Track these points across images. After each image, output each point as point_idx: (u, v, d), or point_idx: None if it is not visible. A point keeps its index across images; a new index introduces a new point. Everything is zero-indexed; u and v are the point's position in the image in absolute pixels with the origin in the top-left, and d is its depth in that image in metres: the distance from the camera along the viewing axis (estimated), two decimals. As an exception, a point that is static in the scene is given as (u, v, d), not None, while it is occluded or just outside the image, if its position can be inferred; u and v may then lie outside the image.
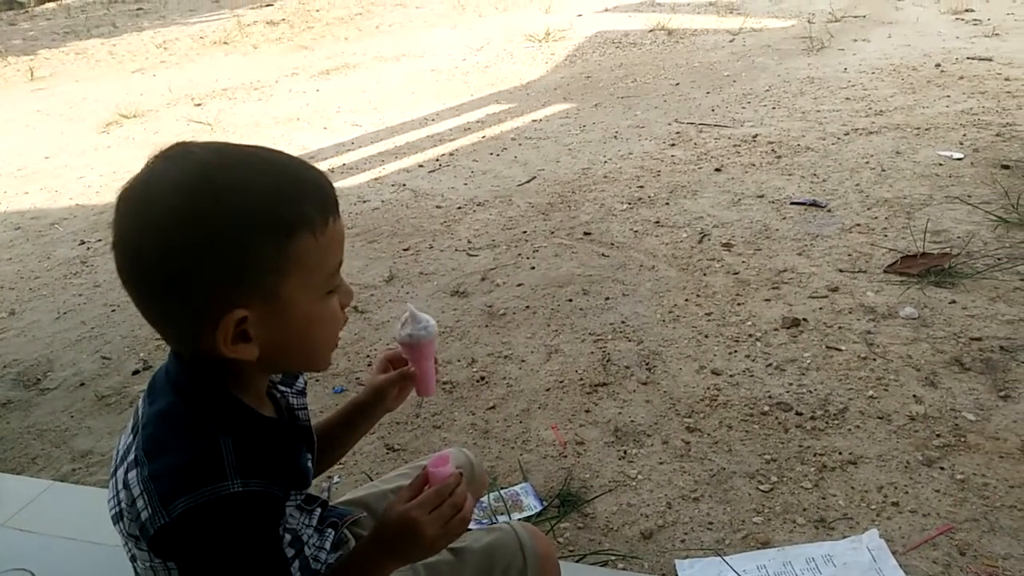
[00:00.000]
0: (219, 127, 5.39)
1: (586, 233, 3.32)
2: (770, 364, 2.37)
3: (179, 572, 0.86)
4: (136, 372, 2.70)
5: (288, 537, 0.99)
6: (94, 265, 3.54)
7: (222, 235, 0.80)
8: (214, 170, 0.83)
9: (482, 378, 2.49)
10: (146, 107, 6.04)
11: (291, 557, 0.97)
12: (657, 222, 3.33)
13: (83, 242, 3.80)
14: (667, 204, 3.48)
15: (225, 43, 8.31)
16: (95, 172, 4.77)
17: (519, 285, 3.00)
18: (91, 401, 2.57)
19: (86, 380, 2.69)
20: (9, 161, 5.15)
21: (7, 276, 3.52)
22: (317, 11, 9.64)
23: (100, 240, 3.78)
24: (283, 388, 1.02)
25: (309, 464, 1.01)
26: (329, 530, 1.10)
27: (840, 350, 2.39)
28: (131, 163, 4.78)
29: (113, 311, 3.12)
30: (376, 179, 4.22)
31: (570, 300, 2.85)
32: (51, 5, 12.29)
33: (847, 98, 4.50)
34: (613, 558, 1.78)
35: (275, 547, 0.89)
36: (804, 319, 2.55)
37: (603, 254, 3.13)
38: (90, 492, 2.02)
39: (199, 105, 6.01)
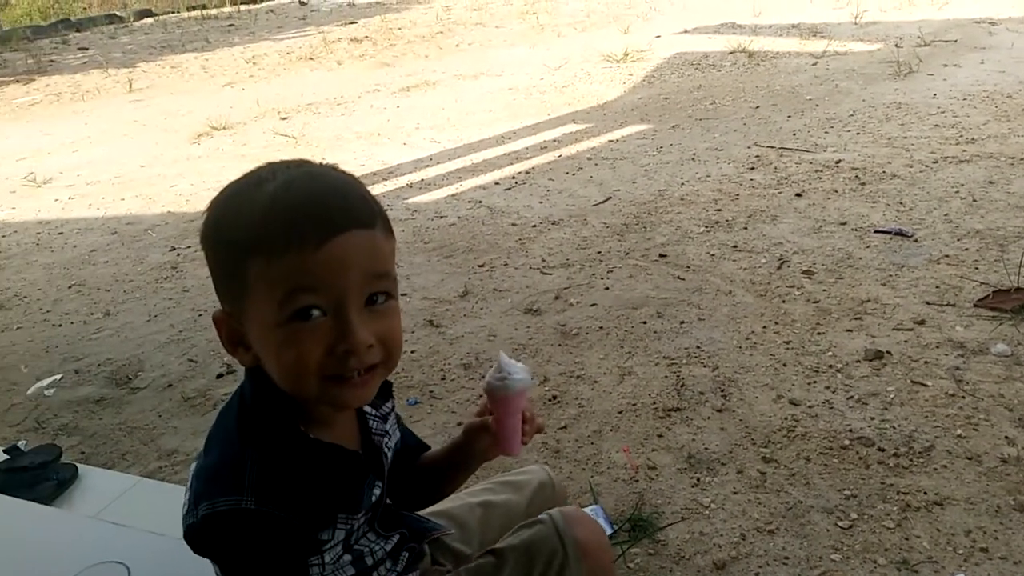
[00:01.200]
0: (303, 140, 5.56)
1: (662, 255, 3.30)
2: (851, 397, 2.31)
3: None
4: (220, 376, 2.80)
5: (348, 557, 1.01)
6: (184, 271, 3.69)
7: (211, 240, 0.91)
8: (244, 183, 0.90)
9: (554, 397, 2.50)
10: (235, 120, 6.28)
11: None
12: (735, 246, 3.29)
13: (174, 248, 3.96)
14: (745, 228, 3.44)
15: (311, 59, 8.58)
16: (186, 181, 4.98)
17: (592, 305, 3.00)
18: (178, 402, 2.67)
19: (173, 381, 2.80)
20: (108, 169, 5.42)
21: (104, 279, 3.70)
22: (399, 29, 9.87)
23: (190, 247, 3.94)
24: (369, 409, 1.04)
25: (374, 490, 1.01)
26: (405, 553, 1.10)
27: (926, 385, 2.31)
28: (219, 173, 4.99)
29: (200, 316, 3.24)
30: (453, 195, 4.28)
31: (644, 322, 2.84)
32: (149, 20, 12.90)
33: (936, 125, 4.37)
34: (685, 587, 1.76)
35: (286, 568, 0.91)
36: (888, 352, 2.48)
37: (679, 277, 3.11)
38: (177, 490, 2.09)
39: (285, 119, 6.21)
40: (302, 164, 0.92)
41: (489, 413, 1.13)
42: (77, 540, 1.67)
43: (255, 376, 0.93)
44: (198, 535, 0.89)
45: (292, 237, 0.83)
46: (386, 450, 1.06)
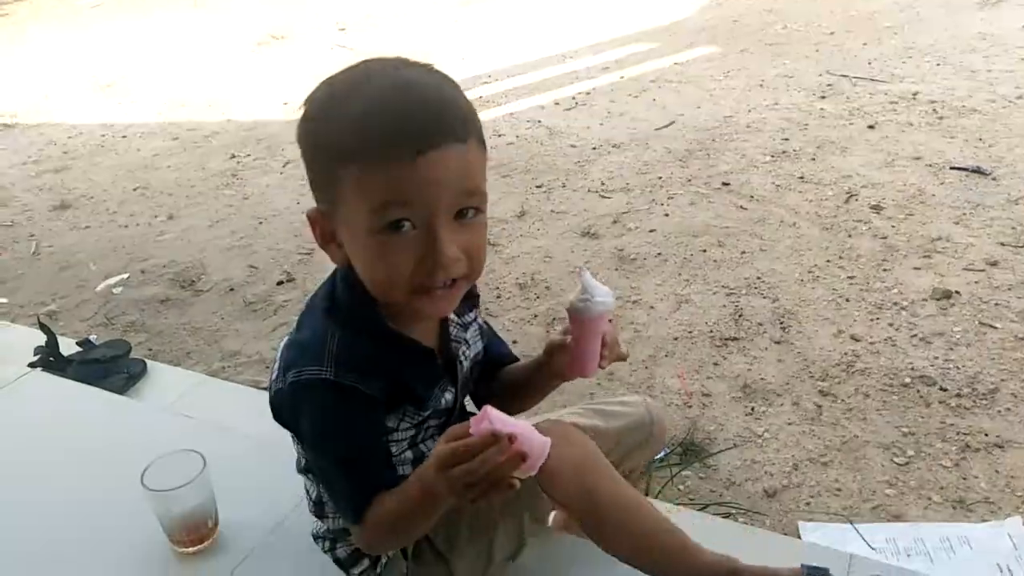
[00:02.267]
0: (361, 52, 5.49)
1: (724, 183, 3.23)
2: (915, 335, 2.27)
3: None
4: (280, 283, 2.85)
5: (410, 454, 1.06)
6: (244, 178, 3.73)
7: (305, 139, 0.91)
8: (343, 81, 0.89)
9: (609, 320, 2.49)
10: (295, 29, 6.22)
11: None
12: (801, 178, 3.20)
13: (234, 155, 3.99)
14: (813, 160, 3.33)
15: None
16: (245, 89, 4.98)
17: (651, 231, 2.96)
18: (239, 306, 2.74)
19: (235, 286, 2.86)
20: (169, 74, 5.44)
21: (167, 183, 3.76)
22: (459, -61, 9.59)
23: (249, 155, 3.97)
24: (452, 316, 1.05)
25: (445, 394, 1.04)
26: None
27: (995, 328, 2.25)
28: (278, 82, 4.98)
29: (260, 223, 3.29)
30: (511, 114, 4.21)
31: (704, 251, 2.80)
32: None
33: (1023, 59, 4.14)
34: (735, 511, 1.78)
35: (361, 435, 0.97)
36: (957, 292, 2.41)
37: (741, 207, 3.04)
38: (240, 389, 2.17)
39: (343, 30, 6.14)
40: (399, 67, 0.89)
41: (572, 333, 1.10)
42: (150, 429, 1.74)
43: (346, 271, 0.96)
44: (284, 400, 0.97)
45: (386, 150, 0.82)
46: (462, 358, 1.07)
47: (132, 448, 1.60)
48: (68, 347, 2.21)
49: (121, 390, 2.06)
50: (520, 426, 0.83)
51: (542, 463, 0.85)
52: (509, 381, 1.18)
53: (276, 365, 1.00)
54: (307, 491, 1.16)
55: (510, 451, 0.79)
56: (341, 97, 0.87)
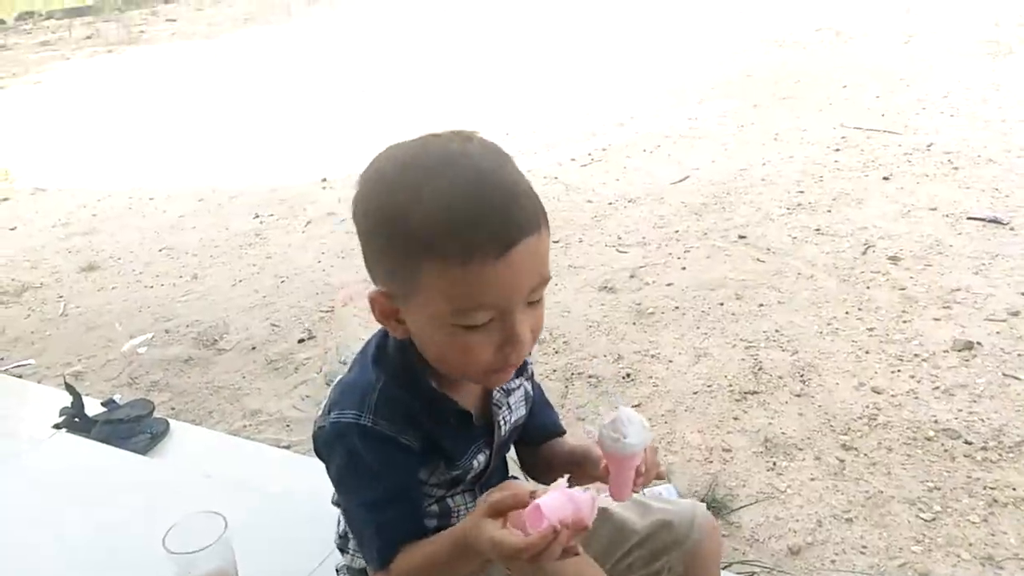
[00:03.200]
0: (383, 109, 5.63)
1: (741, 236, 3.24)
2: (937, 387, 2.25)
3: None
4: (301, 341, 2.89)
5: (435, 508, 1.07)
6: (267, 238, 3.80)
7: (378, 224, 0.90)
8: (411, 166, 0.89)
9: (628, 375, 2.50)
10: (317, 89, 6.37)
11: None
12: (818, 230, 3.21)
13: (257, 216, 4.08)
14: (829, 212, 3.35)
15: (390, 30, 8.64)
16: (269, 150, 5.11)
17: (669, 285, 2.97)
18: (261, 364, 2.77)
19: (257, 344, 2.90)
20: (194, 136, 5.59)
21: (191, 244, 3.83)
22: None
23: (272, 215, 4.05)
24: None
25: (478, 455, 1.05)
26: None
27: (1019, 379, 2.23)
28: (302, 142, 5.09)
29: (282, 282, 3.34)
30: (528, 171, 4.15)
31: (721, 304, 2.80)
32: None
33: (1037, 108, 4.16)
34: (758, 570, 1.75)
35: (391, 483, 0.98)
36: (978, 343, 2.40)
37: (758, 259, 3.05)
38: (263, 448, 2.18)
39: (365, 91, 6.29)
40: (470, 150, 0.88)
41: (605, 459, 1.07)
42: (173, 490, 1.76)
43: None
44: (323, 438, 1.00)
45: (469, 250, 0.82)
46: (501, 422, 1.08)
47: (154, 509, 1.62)
48: (93, 407, 2.24)
49: (144, 450, 2.09)
50: (570, 504, 0.85)
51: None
52: (548, 459, 1.18)
53: (324, 402, 1.04)
54: (338, 521, 1.18)
55: (569, 540, 0.83)
56: (417, 184, 0.85)
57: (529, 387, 1.14)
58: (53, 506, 1.72)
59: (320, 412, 1.03)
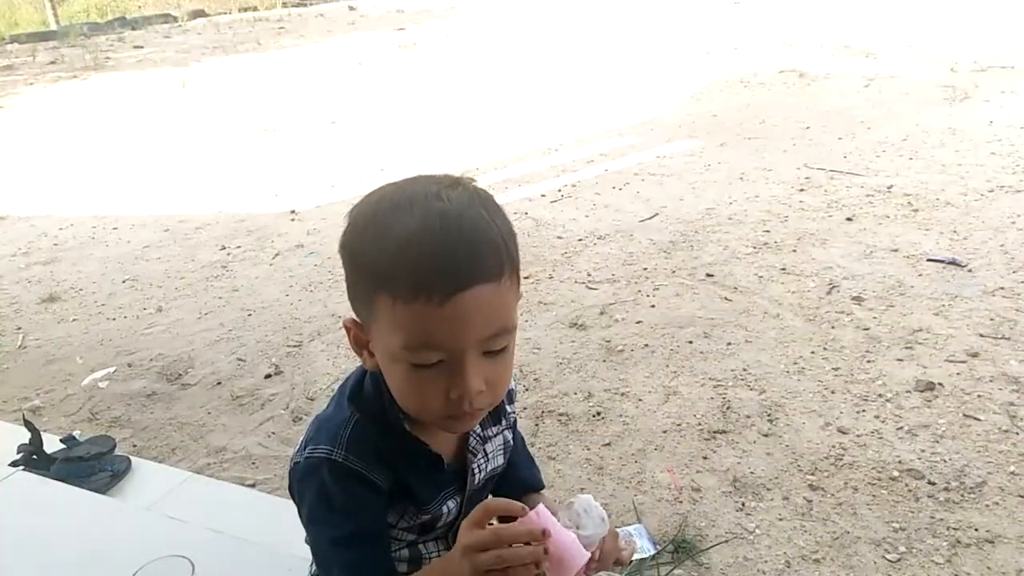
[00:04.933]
0: (352, 144, 5.63)
1: (708, 275, 3.29)
2: (901, 427, 2.28)
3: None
4: (268, 376, 2.85)
5: (405, 552, 1.06)
6: (233, 270, 3.76)
7: (349, 255, 0.92)
8: (386, 203, 0.90)
9: (598, 413, 2.50)
10: (285, 122, 6.38)
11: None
12: (783, 269, 3.27)
13: (224, 247, 4.03)
14: (794, 251, 3.41)
15: (359, 64, 8.69)
16: (237, 181, 5.07)
17: (638, 322, 2.99)
18: (226, 400, 2.72)
19: (223, 379, 2.85)
20: (161, 166, 5.54)
21: (156, 275, 3.78)
22: (447, 36, 9.96)
23: (239, 247, 4.01)
24: (476, 429, 1.06)
25: (448, 502, 1.04)
26: None
27: (979, 420, 2.28)
28: (270, 174, 5.08)
29: (249, 315, 3.30)
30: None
31: (690, 342, 2.83)
32: (202, 20, 13.17)
33: (992, 153, 4.30)
34: (729, 612, 1.75)
35: (360, 520, 0.97)
36: (940, 383, 2.45)
37: (726, 298, 3.10)
38: (227, 487, 2.14)
39: (333, 123, 6.30)
40: (444, 192, 0.88)
41: None
42: (135, 532, 1.71)
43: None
44: (296, 473, 0.99)
45: (419, 288, 0.83)
46: (476, 469, 1.07)
47: (117, 552, 1.58)
48: (52, 443, 2.19)
49: (105, 488, 2.03)
50: (563, 531, 0.87)
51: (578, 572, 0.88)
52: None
53: (301, 438, 1.03)
54: (310, 564, 1.16)
55: (537, 545, 0.84)
56: (383, 220, 0.87)
57: (510, 436, 1.13)
58: (12, 548, 1.67)
59: (296, 448, 1.03)
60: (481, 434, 1.07)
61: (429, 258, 0.83)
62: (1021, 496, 2.00)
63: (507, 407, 1.12)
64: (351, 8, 13.62)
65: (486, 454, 1.08)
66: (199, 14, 13.59)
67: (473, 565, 0.84)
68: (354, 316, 0.95)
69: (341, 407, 1.01)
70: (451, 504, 1.05)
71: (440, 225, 0.84)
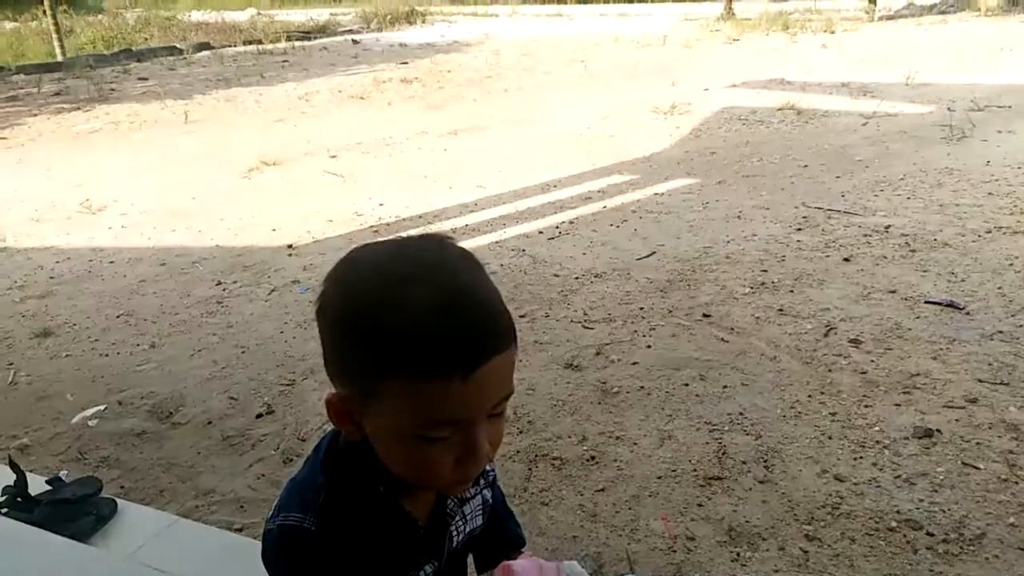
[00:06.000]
0: (351, 179, 5.65)
1: (705, 315, 3.27)
2: (899, 476, 2.25)
3: None
4: (259, 416, 2.82)
5: None
6: (229, 306, 3.74)
7: (347, 328, 0.88)
8: (387, 272, 0.87)
9: (592, 457, 2.47)
10: (286, 155, 6.41)
11: None
12: (780, 310, 3.25)
13: (220, 283, 4.02)
14: (792, 292, 3.40)
15: (361, 98, 8.76)
16: (235, 215, 5.07)
17: (634, 363, 2.97)
18: (217, 440, 2.69)
19: (214, 419, 2.82)
20: (160, 199, 5.55)
21: (151, 309, 3.76)
22: (448, 72, 10.05)
23: (236, 282, 4.00)
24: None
25: (425, 567, 1.02)
26: None
27: (978, 468, 2.25)
28: (269, 208, 5.09)
29: (243, 353, 3.28)
30: (497, 242, 4.30)
31: (686, 384, 2.80)
32: (206, 53, 13.31)
33: (990, 193, 4.31)
34: (722, 669, 1.71)
35: None
36: (938, 430, 2.42)
37: (722, 339, 3.08)
38: (212, 532, 2.10)
39: (334, 157, 6.33)
40: (446, 267, 0.87)
41: None
42: (115, 583, 1.68)
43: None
44: (269, 542, 0.96)
45: (442, 366, 0.81)
46: (454, 531, 1.05)
47: (95, 605, 1.55)
48: (37, 484, 2.15)
49: (90, 532, 2.00)
50: (537, 571, 0.91)
51: None
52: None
53: (275, 502, 1.00)
54: None
55: None
56: (391, 292, 0.84)
57: (488, 495, 1.11)
58: (-14, 599, 1.63)
59: (271, 512, 1.00)
60: (459, 496, 1.05)
61: (453, 336, 0.81)
62: (1021, 548, 1.96)
63: (487, 466, 1.09)
64: (354, 42, 13.77)
65: (464, 516, 1.06)
66: (204, 47, 13.74)
67: None
68: (336, 391, 0.91)
69: (314, 472, 0.98)
70: (428, 569, 1.02)
71: (457, 301, 0.83)
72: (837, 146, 5.44)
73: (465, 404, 0.84)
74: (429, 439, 0.86)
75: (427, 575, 1.03)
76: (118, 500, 2.14)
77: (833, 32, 10.78)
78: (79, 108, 9.09)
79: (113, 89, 10.28)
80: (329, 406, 0.92)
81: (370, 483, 0.96)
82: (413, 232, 0.93)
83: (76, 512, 2.07)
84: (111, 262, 4.43)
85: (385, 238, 0.93)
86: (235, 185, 5.79)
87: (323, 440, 1.02)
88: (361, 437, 0.93)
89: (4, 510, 2.04)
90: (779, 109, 6.52)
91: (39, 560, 1.76)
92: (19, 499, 2.10)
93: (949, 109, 6.03)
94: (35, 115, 8.87)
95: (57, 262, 4.46)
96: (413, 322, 0.82)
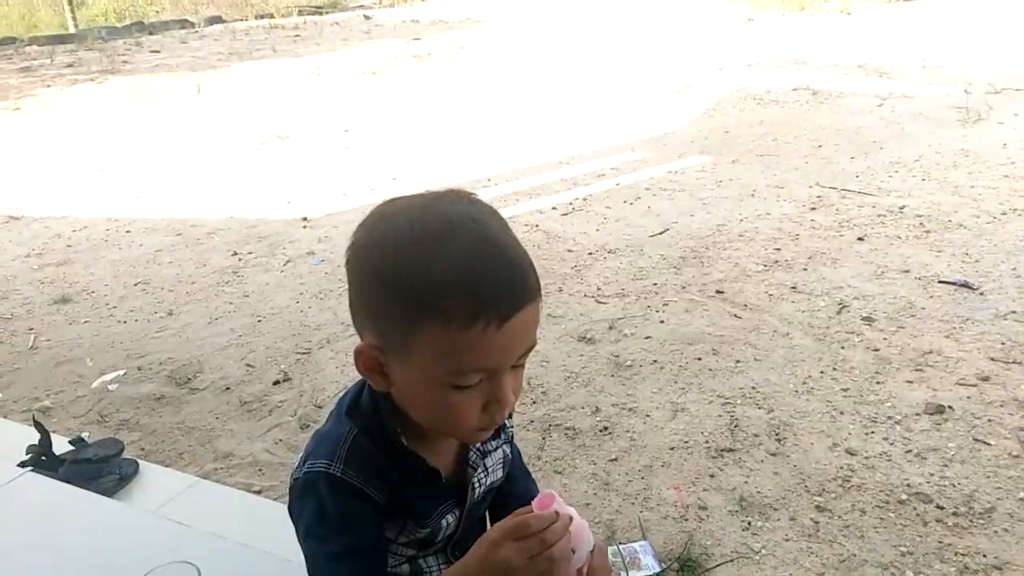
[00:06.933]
0: (364, 154, 5.66)
1: (719, 291, 3.28)
2: (910, 450, 2.27)
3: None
4: (277, 383, 2.86)
5: (407, 568, 1.06)
6: (244, 276, 3.78)
7: (380, 281, 0.89)
8: (420, 227, 0.88)
9: (605, 428, 2.50)
10: (299, 129, 6.42)
11: None
12: (794, 287, 3.26)
13: (236, 253, 4.05)
14: (805, 270, 3.41)
15: (374, 73, 8.73)
16: (250, 188, 5.10)
17: (647, 338, 2.99)
18: (235, 405, 2.73)
19: (231, 385, 2.86)
20: (174, 170, 5.58)
21: (167, 279, 3.80)
22: (461, 48, 10.00)
23: (251, 253, 4.03)
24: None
25: (447, 516, 1.04)
26: None
27: (989, 444, 2.27)
28: (283, 181, 5.11)
29: (259, 321, 3.32)
30: (510, 217, 4.26)
31: (699, 359, 2.82)
32: (218, 27, 13.26)
33: (1005, 175, 4.29)
34: (733, 633, 1.74)
35: (357, 535, 0.96)
36: (950, 407, 2.43)
37: (736, 315, 3.09)
38: (233, 493, 2.14)
39: (347, 131, 6.33)
40: (476, 220, 0.88)
41: None
42: (141, 536, 1.71)
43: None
44: (297, 489, 0.98)
45: (478, 315, 0.83)
46: (475, 483, 1.07)
47: (122, 556, 1.58)
48: (60, 444, 2.19)
49: (112, 492, 2.04)
50: (578, 517, 0.91)
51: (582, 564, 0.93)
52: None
53: (301, 454, 1.03)
54: None
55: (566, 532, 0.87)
56: (425, 246, 0.85)
57: (508, 450, 1.14)
58: (16, 549, 1.67)
59: (296, 464, 1.03)
60: (482, 448, 1.07)
61: (487, 286, 0.84)
62: (1030, 523, 1.98)
63: (506, 421, 1.12)
64: (366, 17, 13.70)
65: (486, 468, 1.09)
66: (216, 20, 13.68)
67: (518, 550, 0.87)
68: (366, 341, 0.93)
69: (339, 422, 1.00)
70: (450, 518, 1.05)
71: (490, 251, 0.86)
72: (852, 127, 5.41)
73: (497, 353, 0.87)
74: (458, 387, 0.89)
75: (448, 525, 1.05)
76: (139, 461, 2.18)
77: (850, 13, 10.68)
78: (92, 79, 9.09)
79: (125, 61, 10.27)
80: (357, 356, 0.94)
81: (392, 433, 0.98)
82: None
83: (99, 471, 2.11)
84: (127, 231, 4.46)
85: (413, 193, 0.95)
86: (249, 158, 5.81)
87: (347, 392, 1.05)
88: (389, 387, 0.95)
89: (30, 468, 2.08)
90: (794, 89, 6.48)
91: (67, 514, 1.80)
92: (44, 458, 2.14)
93: (966, 91, 5.97)
94: (48, 86, 8.88)
95: (74, 231, 4.50)
96: (451, 273, 0.84)
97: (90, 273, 3.93)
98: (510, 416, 1.14)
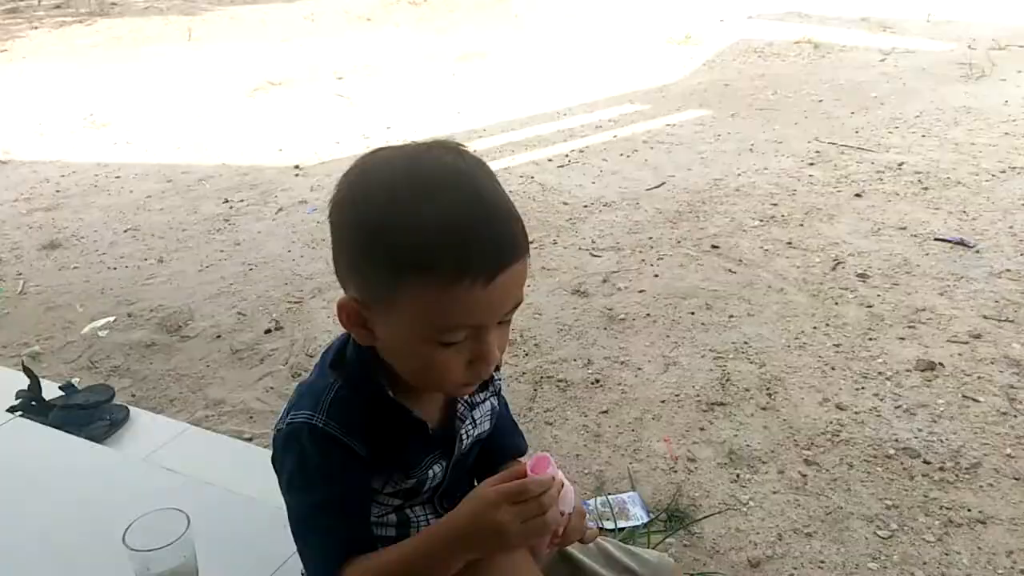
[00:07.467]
0: (358, 101, 5.58)
1: (714, 246, 3.27)
2: (899, 406, 2.28)
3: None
4: (268, 331, 2.84)
5: (394, 517, 1.05)
6: (236, 224, 3.74)
7: (364, 234, 0.87)
8: (407, 179, 0.86)
9: (597, 380, 2.50)
10: (291, 76, 6.31)
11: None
12: (789, 243, 3.25)
13: (227, 200, 4.01)
14: (801, 226, 3.39)
15: (369, 19, 8.57)
16: (241, 134, 5.02)
17: (641, 291, 2.98)
18: (226, 353, 2.73)
19: (223, 333, 2.85)
20: (164, 116, 5.49)
21: (158, 226, 3.76)
22: (459, -6, 9.80)
23: (243, 201, 3.99)
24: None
25: (434, 467, 1.03)
26: None
27: (978, 401, 2.28)
28: (274, 128, 5.03)
29: (251, 270, 3.29)
30: (505, 168, 4.26)
31: (692, 313, 2.82)
32: (210, -31, 12.94)
33: (1006, 133, 4.25)
34: (719, 582, 1.76)
35: (340, 486, 0.96)
36: (940, 363, 2.44)
37: (730, 270, 3.08)
38: (223, 440, 2.15)
39: (340, 79, 6.23)
40: (464, 173, 0.87)
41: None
42: (131, 482, 1.72)
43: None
44: (278, 441, 0.98)
45: (464, 272, 0.82)
46: (463, 435, 1.06)
47: (112, 501, 1.59)
48: (51, 390, 2.19)
49: (102, 437, 2.04)
50: (565, 480, 0.93)
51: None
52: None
53: (284, 406, 1.02)
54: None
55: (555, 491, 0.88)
56: (412, 199, 0.83)
57: (496, 402, 1.13)
58: (6, 493, 1.68)
59: (280, 415, 1.02)
60: (469, 400, 1.06)
61: (474, 242, 0.82)
62: (1016, 479, 2.00)
63: (494, 374, 1.10)
64: (362, -39, 13.38)
65: (474, 420, 1.08)
66: (207, -38, 13.35)
67: (515, 514, 0.87)
68: (350, 295, 0.91)
69: (323, 374, 0.99)
70: (436, 469, 1.04)
71: (480, 208, 0.84)
72: (853, 82, 5.34)
73: (483, 309, 0.86)
74: (443, 343, 0.87)
75: (435, 475, 1.05)
76: (130, 407, 2.18)
77: (854, -35, 10.47)
78: (80, 22, 8.91)
79: (114, 4, 10.04)
80: (340, 310, 0.92)
81: (378, 386, 0.97)
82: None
83: (89, 417, 2.10)
84: (117, 177, 4.40)
85: (398, 144, 0.92)
86: (240, 104, 5.71)
87: (332, 344, 1.03)
88: (371, 342, 0.93)
89: (19, 413, 2.07)
90: (796, 42, 6.37)
91: (57, 459, 1.80)
92: (33, 403, 2.13)
93: (969, 47, 5.88)
94: (35, 28, 8.70)
95: (62, 176, 4.44)
96: (437, 229, 0.82)
97: (79, 218, 3.88)
98: (498, 368, 1.13)
